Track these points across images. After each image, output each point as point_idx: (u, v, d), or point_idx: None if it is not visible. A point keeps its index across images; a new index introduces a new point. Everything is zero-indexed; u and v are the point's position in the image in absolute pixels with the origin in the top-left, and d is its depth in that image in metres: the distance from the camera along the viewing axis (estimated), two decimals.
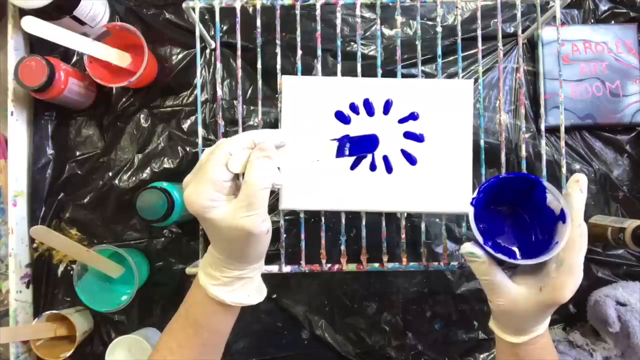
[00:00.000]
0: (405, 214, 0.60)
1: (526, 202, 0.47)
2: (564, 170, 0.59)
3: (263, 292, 0.48)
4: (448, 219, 0.72)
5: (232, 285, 0.44)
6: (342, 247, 0.59)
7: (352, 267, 0.59)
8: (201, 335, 0.46)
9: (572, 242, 0.42)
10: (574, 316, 0.74)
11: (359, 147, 0.49)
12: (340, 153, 0.45)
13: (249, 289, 0.46)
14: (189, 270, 0.59)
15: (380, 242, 0.59)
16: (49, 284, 0.73)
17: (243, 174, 0.41)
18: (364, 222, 0.58)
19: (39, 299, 0.73)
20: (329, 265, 0.59)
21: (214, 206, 0.39)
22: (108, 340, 0.70)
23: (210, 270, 0.44)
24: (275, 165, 0.41)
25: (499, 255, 0.42)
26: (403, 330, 0.73)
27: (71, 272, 0.72)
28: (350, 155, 0.47)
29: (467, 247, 0.44)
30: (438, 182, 0.55)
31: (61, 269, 0.73)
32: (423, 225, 0.60)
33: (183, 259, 0.73)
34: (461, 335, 0.73)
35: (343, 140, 0.46)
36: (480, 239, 0.43)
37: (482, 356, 0.73)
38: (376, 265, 0.59)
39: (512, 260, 0.43)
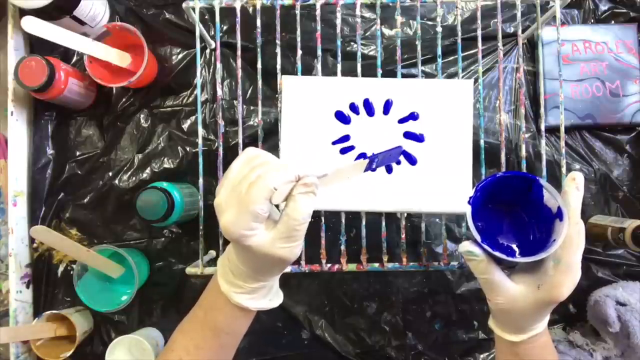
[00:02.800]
0: (405, 214, 0.60)
1: (524, 201, 0.47)
2: (564, 170, 0.59)
3: (280, 294, 0.48)
4: (448, 219, 0.72)
5: (255, 293, 0.44)
6: (342, 247, 0.59)
7: (352, 267, 0.59)
8: (220, 338, 0.46)
9: (570, 240, 0.42)
10: (574, 316, 0.74)
11: (386, 159, 0.49)
12: (368, 167, 0.46)
13: (270, 294, 0.46)
14: (189, 270, 0.59)
15: (380, 242, 0.59)
16: (49, 284, 0.73)
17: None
18: (364, 222, 0.58)
19: (39, 299, 0.72)
20: (329, 265, 0.59)
21: (252, 235, 0.39)
22: (108, 340, 0.70)
23: (233, 278, 0.44)
24: (316, 198, 0.40)
25: (497, 253, 0.43)
26: (403, 330, 0.73)
27: (71, 272, 0.72)
28: (376, 167, 0.47)
29: (466, 246, 0.44)
30: (438, 182, 0.55)
31: (61, 269, 0.73)
32: (423, 225, 0.60)
33: (183, 259, 0.73)
34: (461, 335, 0.73)
35: (373, 158, 0.46)
36: (478, 237, 0.43)
37: (482, 356, 0.73)
38: (376, 265, 0.59)
39: (509, 259, 0.43)
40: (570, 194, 0.43)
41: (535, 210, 0.46)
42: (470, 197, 0.45)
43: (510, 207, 0.49)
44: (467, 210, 0.44)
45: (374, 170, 0.50)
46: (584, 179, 0.44)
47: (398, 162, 0.55)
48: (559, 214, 0.43)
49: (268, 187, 0.38)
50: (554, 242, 0.42)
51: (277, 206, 0.42)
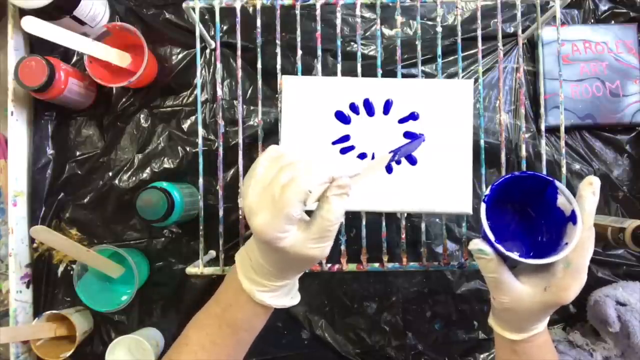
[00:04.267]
0: (405, 214, 0.60)
1: (534, 201, 0.47)
2: (564, 170, 0.59)
3: (298, 292, 0.49)
4: (448, 219, 0.72)
5: (278, 291, 0.45)
6: (342, 247, 0.59)
7: (352, 267, 0.59)
8: (238, 335, 0.46)
9: (581, 244, 0.42)
10: (574, 316, 0.74)
11: (409, 150, 0.50)
12: (391, 160, 0.47)
13: (292, 293, 0.47)
14: (189, 270, 0.59)
15: (380, 242, 0.59)
16: (49, 284, 0.73)
17: None
18: (364, 222, 0.58)
19: (39, 299, 0.72)
20: (329, 265, 0.59)
21: (285, 237, 0.39)
22: (108, 340, 0.70)
23: (255, 277, 0.44)
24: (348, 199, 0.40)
25: (510, 254, 0.42)
26: (403, 330, 0.73)
27: (71, 272, 0.72)
28: (399, 158, 0.48)
29: (477, 244, 0.44)
30: (438, 182, 0.55)
31: (61, 269, 0.73)
32: (423, 225, 0.60)
33: (183, 259, 0.73)
34: (461, 335, 0.73)
35: (396, 151, 0.47)
36: (491, 236, 0.43)
37: (482, 356, 0.73)
38: (376, 265, 0.59)
39: (522, 260, 0.42)
40: (586, 198, 0.43)
41: (546, 212, 0.46)
42: (485, 195, 0.44)
43: (519, 206, 0.49)
44: (482, 208, 0.44)
45: (398, 163, 0.53)
46: (600, 184, 0.43)
47: (398, 162, 0.55)
48: (572, 218, 0.43)
49: (303, 191, 0.37)
50: (566, 245, 0.42)
51: None
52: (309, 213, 0.41)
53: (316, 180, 0.38)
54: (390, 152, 0.45)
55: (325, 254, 0.41)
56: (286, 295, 0.46)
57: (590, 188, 0.43)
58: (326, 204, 0.39)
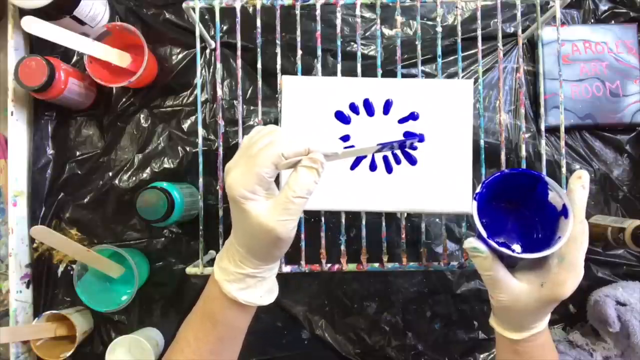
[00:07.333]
0: (405, 214, 0.60)
1: (528, 199, 0.47)
2: (564, 170, 0.59)
3: (274, 293, 0.47)
4: (448, 219, 0.72)
5: (244, 283, 0.44)
6: (342, 247, 0.59)
7: (352, 267, 0.59)
8: (217, 329, 0.46)
9: (574, 238, 0.42)
10: (574, 316, 0.74)
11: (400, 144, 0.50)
12: (377, 151, 0.47)
13: (261, 290, 0.45)
14: (189, 270, 0.59)
15: (380, 242, 0.59)
16: (49, 284, 0.73)
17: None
18: (364, 222, 0.58)
19: (39, 299, 0.72)
20: (329, 265, 0.59)
21: (252, 198, 0.40)
22: (108, 340, 0.70)
23: (226, 263, 0.44)
24: (320, 178, 0.41)
25: (504, 250, 0.42)
26: (403, 330, 0.73)
27: (71, 272, 0.72)
28: (385, 151, 0.48)
29: (472, 242, 0.44)
30: (438, 182, 0.55)
31: (61, 269, 0.73)
32: (423, 225, 0.60)
33: (183, 259, 0.73)
34: (461, 335, 0.73)
35: (385, 144, 0.46)
36: (484, 233, 0.43)
37: (482, 356, 0.73)
38: (376, 265, 0.59)
39: (516, 255, 0.43)
40: (576, 192, 0.43)
41: (539, 208, 0.46)
42: (476, 193, 0.45)
43: (514, 204, 0.49)
44: (473, 205, 0.44)
45: (398, 162, 0.54)
46: (589, 177, 0.44)
47: (398, 162, 0.55)
48: (564, 212, 0.43)
49: (277, 153, 0.39)
50: (559, 239, 0.42)
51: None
52: None
53: (292, 146, 0.40)
54: (378, 145, 0.45)
55: (286, 232, 0.41)
56: (253, 288, 0.44)
57: (580, 182, 0.43)
58: (294, 173, 0.41)
